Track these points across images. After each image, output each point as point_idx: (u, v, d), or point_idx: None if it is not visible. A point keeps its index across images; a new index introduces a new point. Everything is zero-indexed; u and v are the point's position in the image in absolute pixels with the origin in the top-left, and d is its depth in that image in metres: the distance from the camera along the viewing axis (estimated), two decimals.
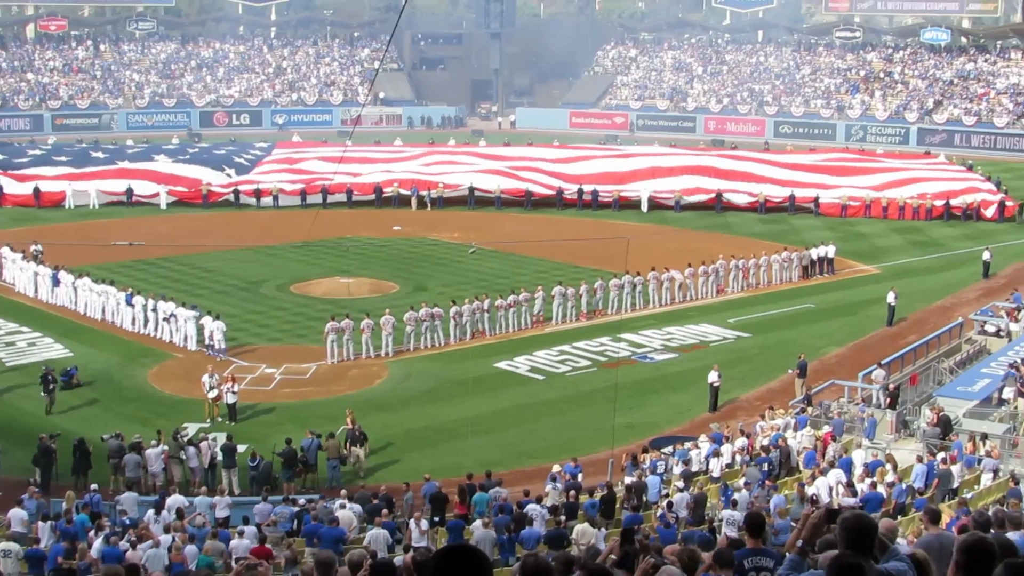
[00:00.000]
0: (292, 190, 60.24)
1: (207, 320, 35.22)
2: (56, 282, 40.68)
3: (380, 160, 68.26)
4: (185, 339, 35.80)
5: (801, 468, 25.30)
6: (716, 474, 25.29)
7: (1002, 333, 34.86)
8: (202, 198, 59.93)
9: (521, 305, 38.46)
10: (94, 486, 23.94)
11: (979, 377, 30.07)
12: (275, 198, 59.58)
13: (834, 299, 43.06)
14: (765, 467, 24.53)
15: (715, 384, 31.36)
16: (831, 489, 22.36)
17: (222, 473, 26.21)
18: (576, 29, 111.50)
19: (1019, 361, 29.34)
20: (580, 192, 60.49)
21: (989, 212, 57.39)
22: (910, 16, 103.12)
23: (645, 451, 26.48)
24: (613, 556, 9.86)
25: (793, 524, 16.39)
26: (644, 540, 10.38)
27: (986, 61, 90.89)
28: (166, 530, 19.96)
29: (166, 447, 26.00)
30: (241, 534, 19.81)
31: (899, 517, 20.15)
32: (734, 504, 21.26)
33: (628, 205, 59.76)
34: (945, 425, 26.47)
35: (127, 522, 21.25)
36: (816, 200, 59.01)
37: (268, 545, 19.39)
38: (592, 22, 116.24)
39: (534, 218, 58.33)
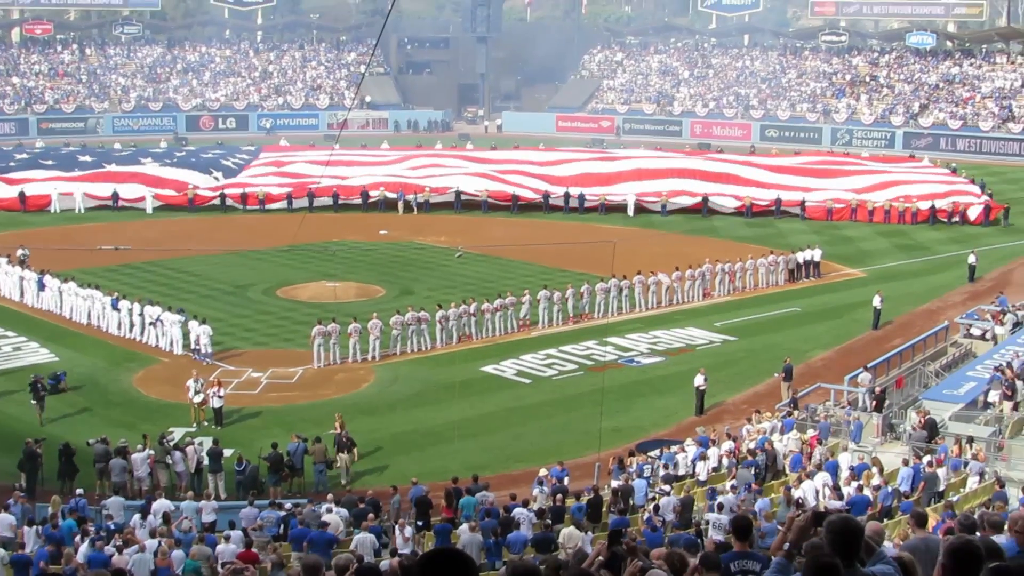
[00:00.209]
0: (279, 194, 60.12)
1: (193, 324, 35.15)
2: (42, 286, 40.52)
3: (367, 164, 68.15)
4: (171, 343, 35.71)
5: (787, 471, 25.34)
6: (703, 477, 25.33)
7: (988, 336, 34.95)
8: (188, 202, 59.79)
9: (508, 309, 38.46)
10: (80, 491, 23.84)
11: (965, 380, 30.09)
12: (261, 202, 59.45)
13: (820, 303, 43.18)
14: (752, 471, 24.59)
15: (701, 388, 31.41)
16: (817, 492, 22.43)
17: (208, 477, 26.17)
18: (562, 33, 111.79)
19: (1004, 364, 29.42)
20: (567, 196, 60.54)
21: (973, 215, 57.61)
22: (896, 20, 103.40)
23: (631, 454, 26.51)
24: (600, 559, 9.86)
25: (779, 527, 16.39)
26: (631, 543, 10.38)
27: (971, 65, 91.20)
28: (152, 535, 19.90)
29: (152, 451, 25.93)
30: (227, 539, 19.79)
31: (885, 520, 20.22)
32: (720, 508, 21.30)
33: (614, 209, 59.83)
34: (931, 428, 26.58)
35: (113, 527, 21.15)
36: (802, 204, 59.20)
37: (254, 550, 19.40)
38: (578, 26, 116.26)
39: (520, 222, 58.31)
